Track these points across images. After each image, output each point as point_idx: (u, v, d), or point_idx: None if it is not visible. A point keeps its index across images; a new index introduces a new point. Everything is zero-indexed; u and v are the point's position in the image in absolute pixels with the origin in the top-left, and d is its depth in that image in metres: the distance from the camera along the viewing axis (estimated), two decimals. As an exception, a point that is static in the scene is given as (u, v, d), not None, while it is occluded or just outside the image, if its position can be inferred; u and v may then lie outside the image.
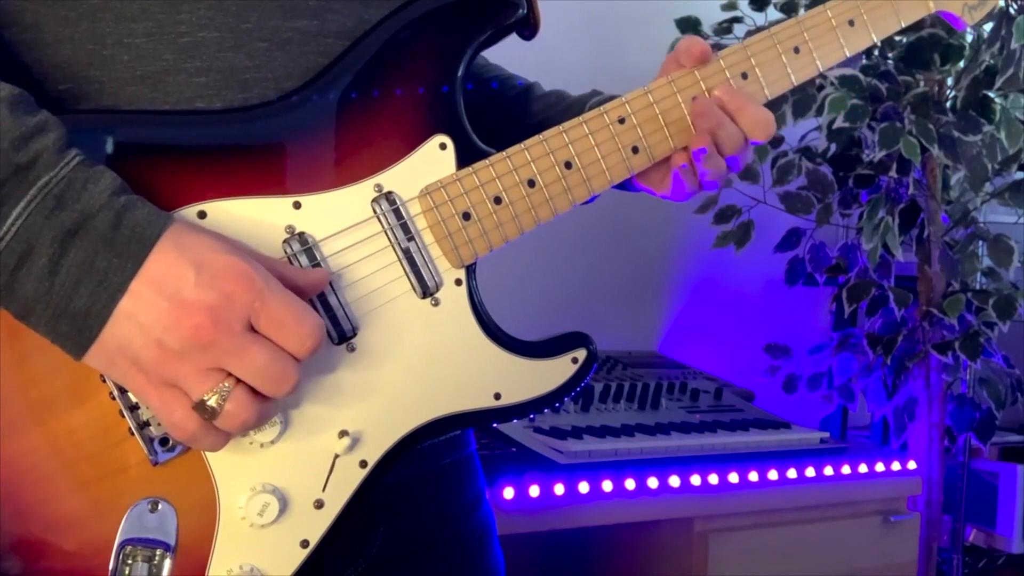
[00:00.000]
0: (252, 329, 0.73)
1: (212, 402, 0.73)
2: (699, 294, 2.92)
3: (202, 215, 0.79)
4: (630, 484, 1.88)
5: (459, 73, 0.87)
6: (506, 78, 1.15)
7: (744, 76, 0.97)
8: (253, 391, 0.74)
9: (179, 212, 0.78)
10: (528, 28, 0.90)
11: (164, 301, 0.71)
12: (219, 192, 0.80)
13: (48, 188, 0.71)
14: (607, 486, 1.86)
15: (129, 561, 0.77)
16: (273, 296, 0.73)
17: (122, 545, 0.77)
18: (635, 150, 0.93)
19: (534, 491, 1.79)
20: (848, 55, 1.00)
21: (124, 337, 0.72)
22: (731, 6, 2.45)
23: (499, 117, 1.11)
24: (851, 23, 0.99)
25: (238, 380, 0.73)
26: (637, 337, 2.77)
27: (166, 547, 0.78)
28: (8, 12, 0.83)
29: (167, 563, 0.77)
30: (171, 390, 0.73)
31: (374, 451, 0.84)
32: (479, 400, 0.87)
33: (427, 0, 0.87)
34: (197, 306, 0.71)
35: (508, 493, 1.77)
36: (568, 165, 0.91)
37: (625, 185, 1.00)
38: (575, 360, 0.90)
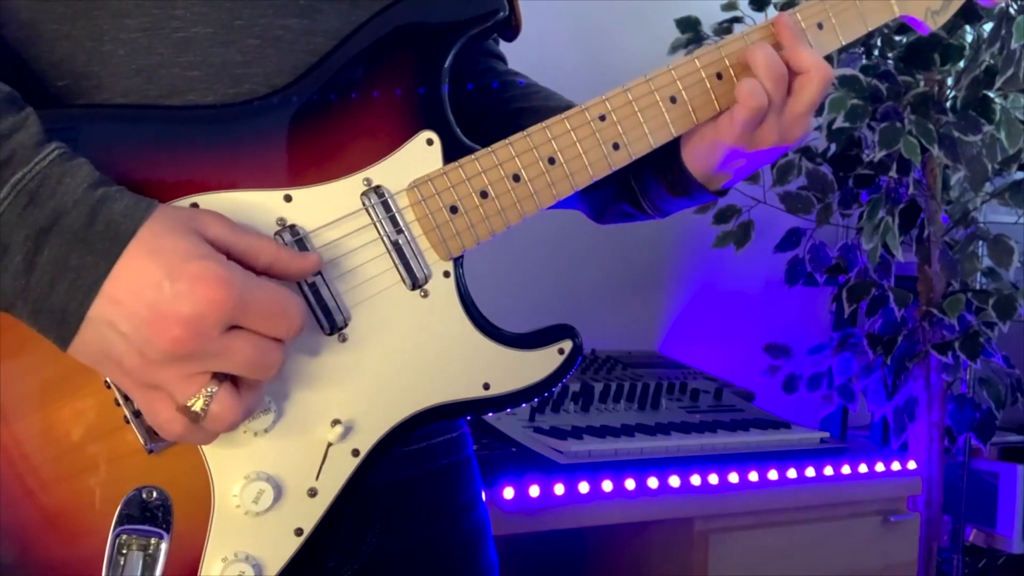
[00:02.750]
0: (232, 327, 0.74)
1: (197, 407, 0.73)
2: (699, 294, 2.92)
3: (194, 207, 0.80)
4: (630, 484, 1.89)
5: (443, 71, 0.89)
6: (508, 79, 1.16)
7: (719, 76, 0.98)
8: (237, 389, 0.75)
9: (168, 202, 0.79)
10: (510, 29, 0.92)
11: (142, 311, 0.71)
12: (211, 186, 0.81)
13: (21, 184, 0.72)
14: (607, 486, 1.87)
15: (124, 550, 0.76)
16: (254, 294, 0.74)
17: (117, 533, 0.77)
18: (615, 146, 0.95)
19: (534, 491, 1.80)
20: None
21: (106, 342, 0.73)
22: (731, 6, 2.45)
23: (497, 117, 1.12)
24: (820, 26, 1.01)
25: (222, 380, 0.74)
26: (637, 337, 2.78)
27: (161, 535, 0.78)
28: (5, 10, 0.84)
29: (162, 551, 0.77)
30: (156, 392, 0.74)
31: (366, 440, 0.85)
32: (468, 390, 0.88)
33: (412, 2, 0.88)
34: (175, 318, 0.71)
35: (508, 493, 1.78)
36: (551, 161, 0.92)
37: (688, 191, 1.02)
38: (561, 351, 0.91)
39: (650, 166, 1.03)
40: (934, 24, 1.07)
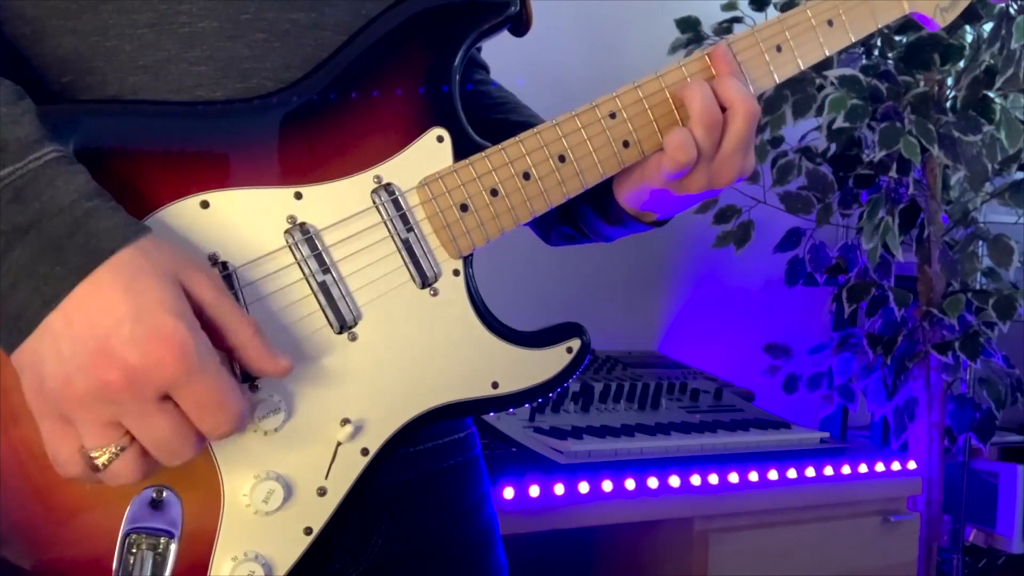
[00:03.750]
0: (166, 397, 0.71)
1: (101, 460, 0.71)
2: (699, 294, 2.92)
3: (205, 205, 0.80)
4: (630, 484, 1.89)
5: (454, 68, 0.89)
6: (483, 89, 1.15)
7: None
8: (144, 454, 0.73)
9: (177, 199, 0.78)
10: (521, 24, 0.92)
11: (90, 340, 0.68)
12: (222, 182, 0.81)
13: (9, 179, 0.70)
14: (607, 486, 1.86)
15: (134, 549, 0.76)
16: (202, 376, 0.70)
17: (127, 533, 0.76)
18: (626, 144, 0.94)
19: (534, 491, 1.80)
20: (827, 54, 1.01)
21: (41, 354, 0.70)
22: (731, 6, 2.46)
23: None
24: (830, 23, 1.01)
25: (132, 439, 0.72)
26: (637, 337, 2.78)
27: (171, 535, 0.77)
28: (9, 6, 0.84)
29: (172, 550, 0.77)
30: (65, 426, 0.71)
31: (375, 439, 0.85)
32: (477, 389, 0.88)
33: None
34: (117, 361, 0.68)
35: (508, 493, 1.78)
36: (562, 158, 0.92)
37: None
38: (570, 350, 0.91)
39: (584, 195, 1.01)
40: (943, 21, 1.07)
